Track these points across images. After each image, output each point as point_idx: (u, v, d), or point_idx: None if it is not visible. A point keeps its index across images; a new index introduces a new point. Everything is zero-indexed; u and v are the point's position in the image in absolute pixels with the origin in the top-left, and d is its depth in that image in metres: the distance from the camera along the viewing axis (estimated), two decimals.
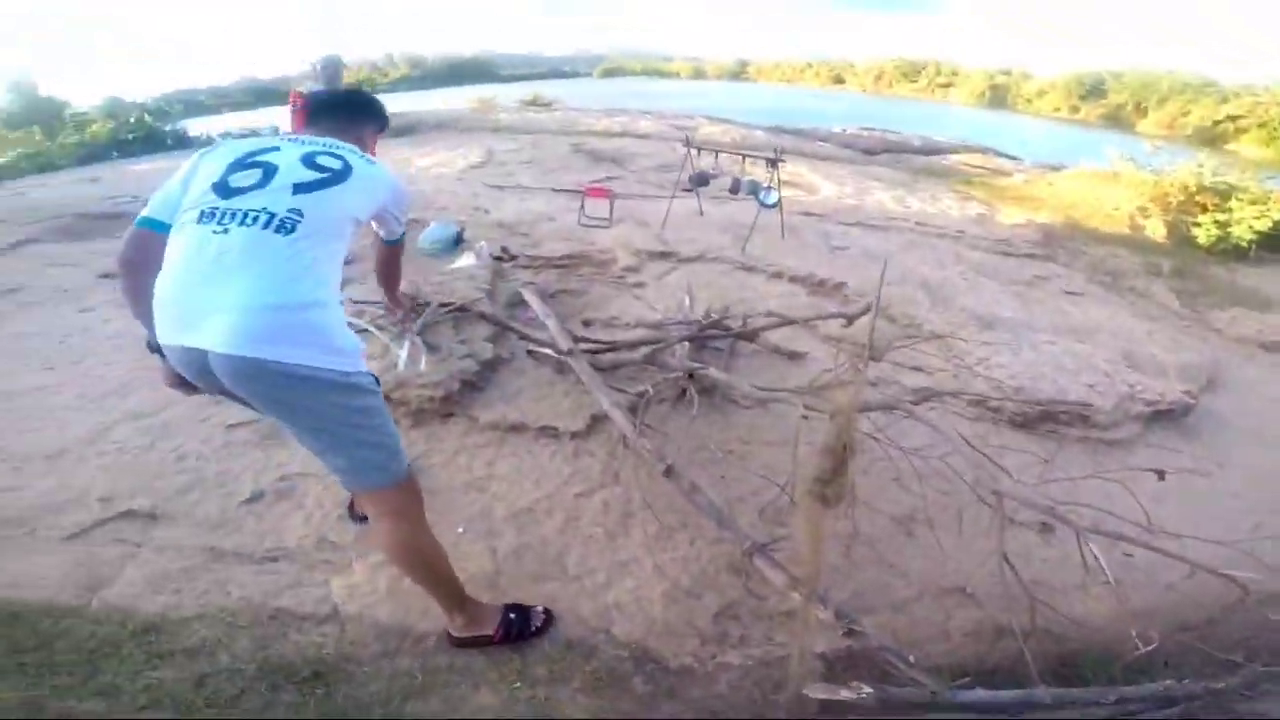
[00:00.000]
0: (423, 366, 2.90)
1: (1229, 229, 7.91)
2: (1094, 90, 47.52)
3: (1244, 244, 7.82)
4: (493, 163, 9.18)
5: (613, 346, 3.44)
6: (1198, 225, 8.14)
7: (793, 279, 4.93)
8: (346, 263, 1.88)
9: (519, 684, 1.97)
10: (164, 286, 1.56)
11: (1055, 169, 12.31)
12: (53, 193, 7.36)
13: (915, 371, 3.63)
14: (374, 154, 2.12)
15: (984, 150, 15.48)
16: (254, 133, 13.37)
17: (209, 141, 13.04)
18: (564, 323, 3.55)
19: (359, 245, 3.21)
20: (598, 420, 3.00)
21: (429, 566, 1.92)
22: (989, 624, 2.31)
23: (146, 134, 12.33)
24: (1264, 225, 7.74)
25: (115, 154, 11.38)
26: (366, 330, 3.15)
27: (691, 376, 3.08)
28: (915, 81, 60.93)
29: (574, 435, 2.94)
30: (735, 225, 5.92)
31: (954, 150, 15.03)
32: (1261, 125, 28.87)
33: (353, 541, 2.39)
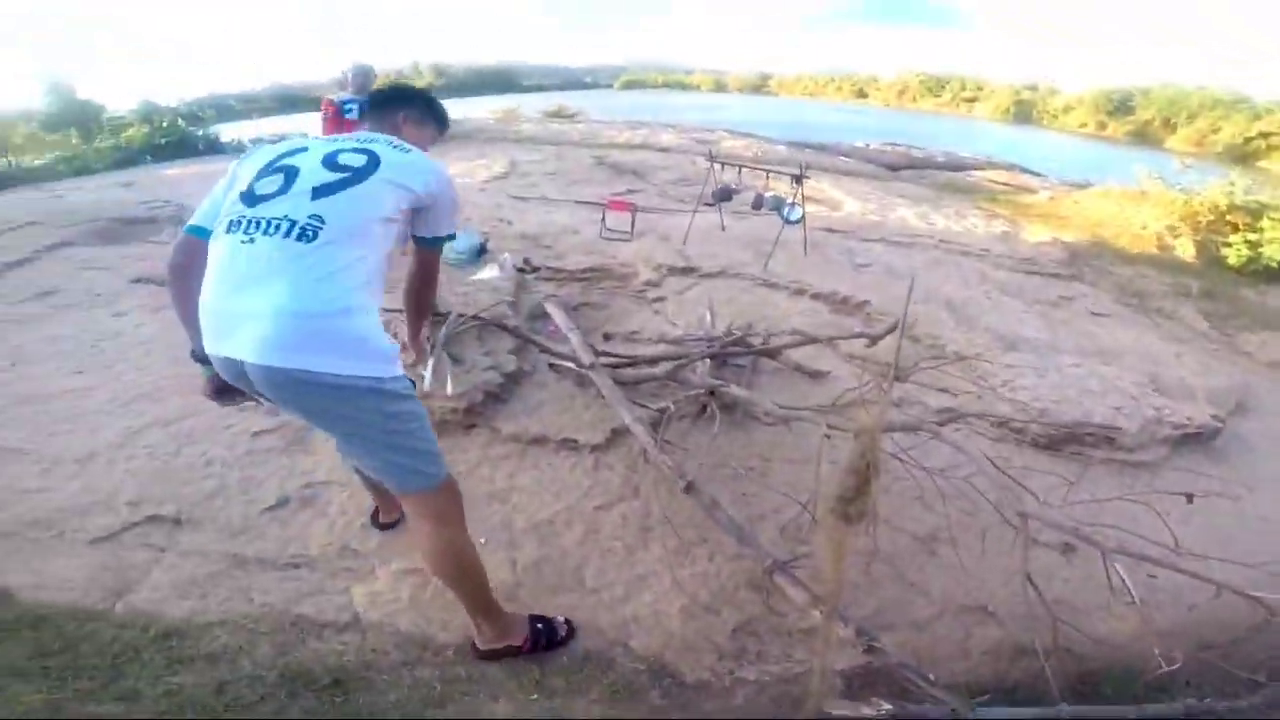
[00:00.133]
0: (449, 390, 2.90)
1: (1260, 250, 7.76)
2: (1121, 106, 47.12)
3: (1275, 265, 7.65)
4: (516, 173, 9.26)
5: (634, 361, 3.44)
6: (1228, 245, 8.02)
7: (815, 296, 4.91)
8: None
9: (536, 695, 1.98)
10: (204, 296, 1.58)
11: (1082, 186, 12.18)
12: (88, 196, 7.49)
13: (939, 392, 3.60)
14: (426, 146, 2.05)
15: (1009, 167, 15.40)
16: (283, 138, 13.58)
17: (240, 147, 13.18)
18: (585, 336, 3.56)
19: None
20: (618, 434, 3.01)
21: (465, 574, 1.92)
22: (1009, 643, 2.29)
23: (180, 139, 12.41)
24: None
25: (148, 158, 11.48)
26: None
27: (713, 393, 3.08)
28: (939, 96, 60.78)
29: (594, 448, 2.95)
30: (758, 241, 5.92)
31: (979, 166, 14.97)
32: None
33: (375, 548, 2.41)
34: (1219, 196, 8.51)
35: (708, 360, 3.37)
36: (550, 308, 3.93)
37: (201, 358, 1.68)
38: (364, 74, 5.18)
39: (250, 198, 1.64)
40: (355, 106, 5.01)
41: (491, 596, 2.00)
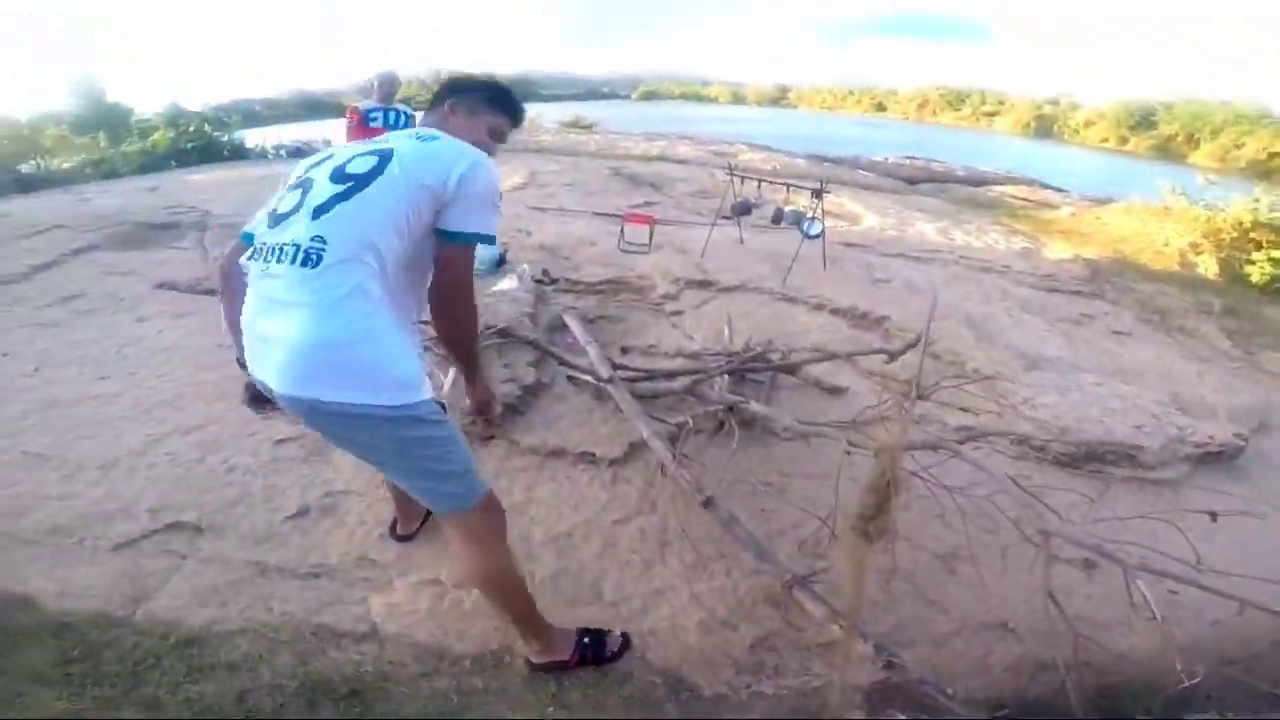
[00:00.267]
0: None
1: None
2: (1144, 120, 46.85)
3: None
4: (534, 184, 9.30)
5: (651, 375, 3.45)
6: (1251, 263, 7.93)
7: (834, 311, 4.91)
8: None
9: (553, 708, 1.98)
10: (242, 316, 1.61)
11: (1103, 202, 12.10)
12: (114, 200, 7.59)
13: (959, 410, 3.59)
14: (483, 139, 1.89)
15: (1030, 182, 15.35)
16: (303, 145, 13.60)
17: (263, 154, 13.28)
18: (603, 349, 3.57)
19: None
20: (635, 448, 3.01)
21: (505, 592, 1.91)
22: (1030, 658, 2.27)
23: (205, 144, 12.49)
24: None
25: (173, 163, 11.56)
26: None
27: (731, 409, 3.08)
28: (959, 110, 60.72)
29: (612, 462, 2.95)
30: (776, 255, 5.92)
31: (999, 181, 14.93)
32: None
33: (393, 559, 2.42)
34: (1243, 213, 8.42)
35: (726, 375, 3.37)
36: (569, 320, 3.95)
37: (243, 363, 1.67)
38: (389, 81, 5.18)
39: (273, 218, 1.62)
40: (380, 114, 5.04)
41: (535, 613, 1.98)
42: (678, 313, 4.69)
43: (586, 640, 2.07)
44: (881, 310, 4.90)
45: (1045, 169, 19.13)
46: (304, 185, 1.62)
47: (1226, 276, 8.03)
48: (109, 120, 15.16)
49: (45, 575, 2.26)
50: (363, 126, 4.97)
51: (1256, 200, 8.52)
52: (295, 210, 1.57)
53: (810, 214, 5.91)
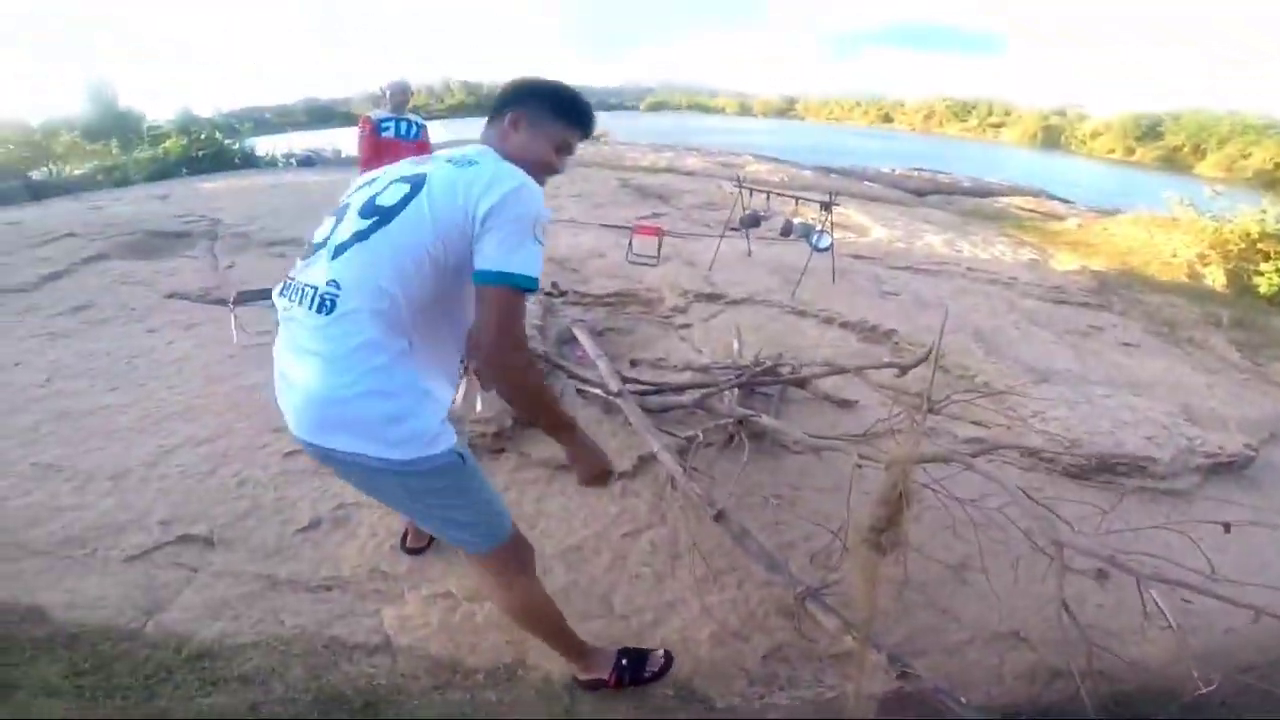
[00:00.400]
0: (479, 407, 2.93)
1: None
2: (1150, 131, 46.93)
3: None
4: (544, 194, 9.31)
5: (661, 389, 3.46)
6: (1259, 274, 7.92)
7: (844, 325, 4.92)
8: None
9: None
10: (274, 346, 1.58)
11: (1111, 213, 12.12)
12: (126, 208, 7.66)
13: (969, 423, 3.59)
14: (548, 157, 1.70)
15: (1036, 193, 15.37)
16: (312, 154, 13.58)
17: (273, 161, 13.28)
18: (611, 362, 3.58)
19: None
20: (645, 461, 3.01)
21: (538, 622, 1.90)
22: (1043, 667, 2.28)
23: (216, 151, 12.49)
24: None
25: (184, 170, 11.59)
26: None
27: (741, 422, 3.08)
28: (966, 121, 60.84)
29: (622, 475, 2.95)
30: (784, 267, 5.93)
31: (1005, 192, 14.95)
32: None
33: (405, 572, 2.42)
34: (1250, 224, 8.43)
35: (735, 389, 3.38)
36: (578, 333, 3.96)
37: None
38: (401, 90, 5.15)
39: (309, 248, 1.56)
40: (392, 124, 5.04)
41: (570, 636, 1.97)
42: (686, 325, 4.70)
43: (625, 662, 2.04)
44: (890, 323, 4.91)
45: (1052, 180, 19.15)
46: (340, 214, 1.55)
47: (1234, 288, 8.03)
48: (121, 126, 15.23)
49: (56, 586, 2.27)
50: (374, 136, 4.98)
51: (1264, 211, 8.53)
52: (323, 244, 1.50)
53: (819, 226, 5.91)
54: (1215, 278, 8.24)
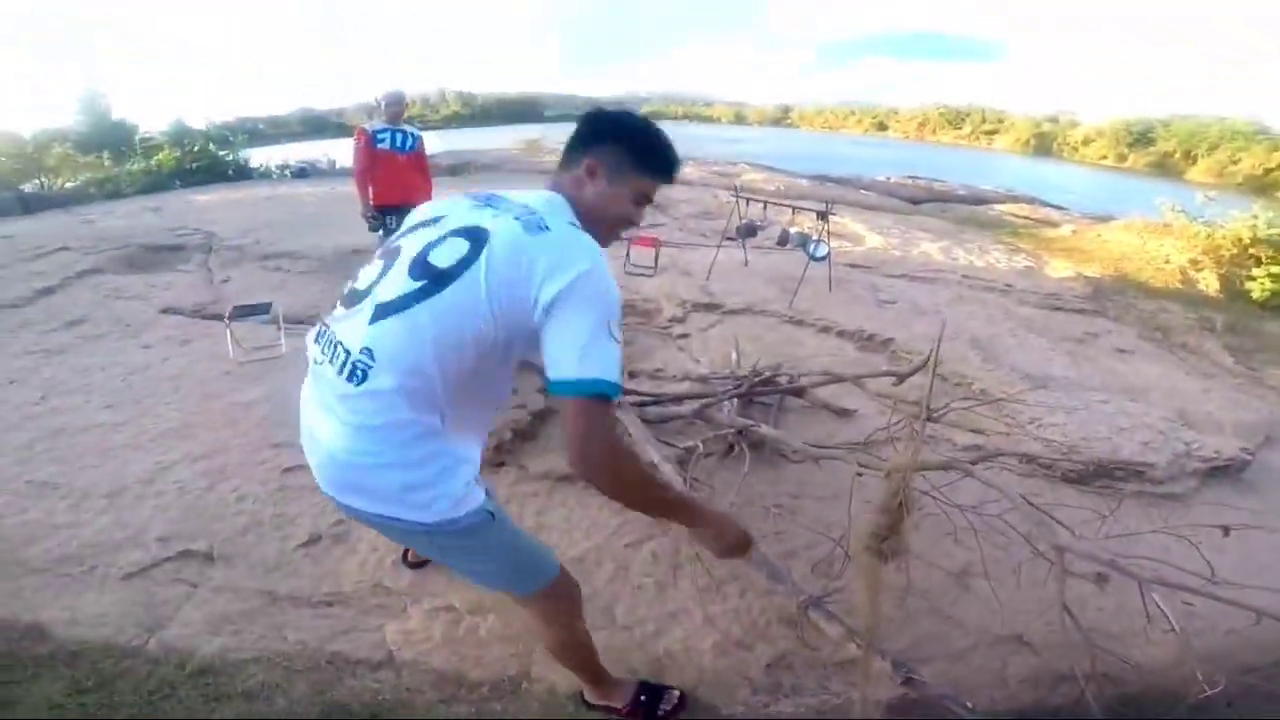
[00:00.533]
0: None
1: None
2: (1141, 138, 47.24)
3: None
4: None
5: (659, 400, 3.46)
6: (1252, 279, 7.98)
7: (841, 334, 4.94)
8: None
9: None
10: (303, 389, 1.52)
11: (1103, 220, 12.19)
12: (118, 221, 7.65)
13: (968, 430, 3.60)
14: (625, 210, 1.53)
15: (1030, 200, 15.46)
16: (306, 166, 13.49)
17: (267, 173, 13.17)
18: None
19: None
20: None
21: (572, 657, 1.89)
22: (1047, 671, 2.28)
23: (209, 163, 12.39)
24: None
25: (177, 182, 11.48)
26: None
27: (741, 432, 3.08)
28: (959, 128, 61.19)
29: None
30: (782, 277, 5.95)
31: (999, 200, 15.05)
32: None
33: (407, 586, 2.42)
34: (1242, 229, 8.49)
35: (734, 399, 3.38)
36: None
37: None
38: (397, 101, 5.15)
39: (348, 296, 1.43)
40: (388, 135, 5.04)
41: (599, 668, 1.96)
42: (684, 335, 4.71)
43: (644, 697, 2.03)
44: (888, 332, 4.93)
45: (1045, 187, 19.26)
46: (389, 258, 1.41)
47: (1227, 293, 8.08)
48: (113, 138, 15.14)
49: (55, 604, 2.26)
50: (370, 148, 4.99)
51: (1255, 216, 8.59)
52: (367, 294, 1.37)
53: (816, 235, 5.93)
54: (1208, 283, 8.29)
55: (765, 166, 16.33)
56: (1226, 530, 2.04)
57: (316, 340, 1.44)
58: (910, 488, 1.61)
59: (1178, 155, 42.72)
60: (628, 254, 5.87)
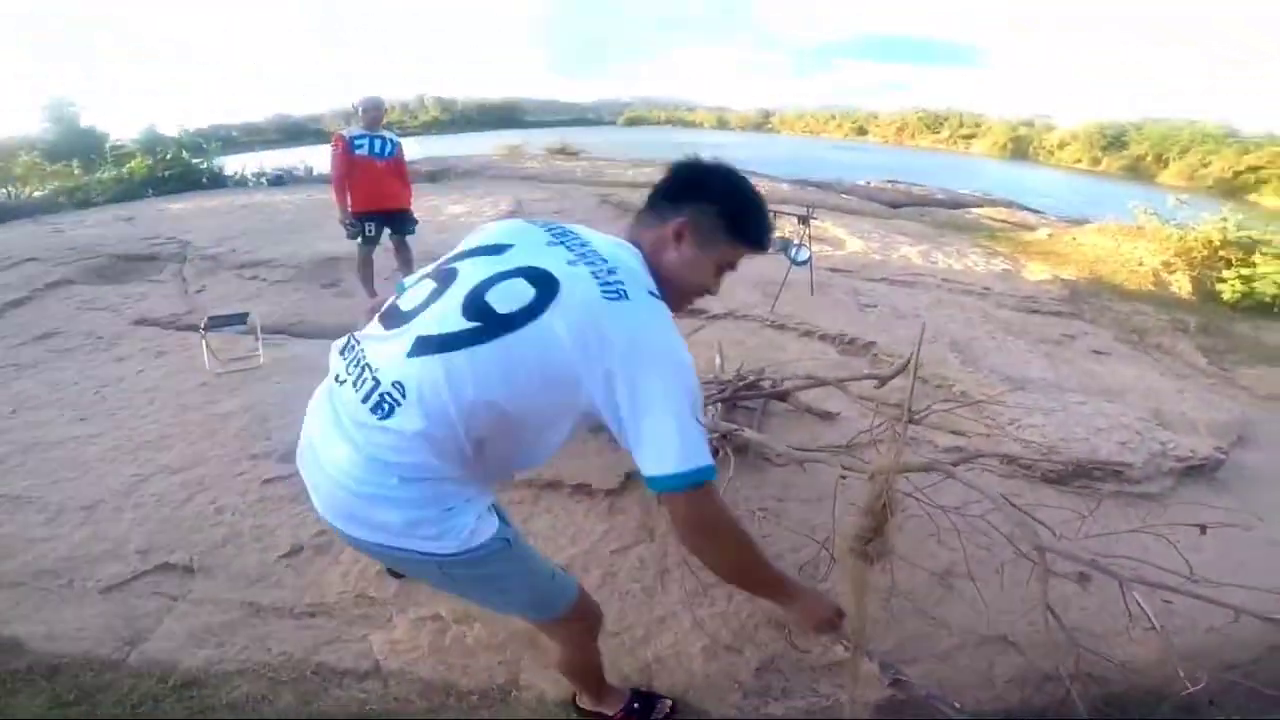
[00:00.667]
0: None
1: (1254, 285, 7.83)
2: (1115, 141, 47.85)
3: (1269, 300, 7.72)
4: (522, 212, 9.32)
5: None
6: (1223, 281, 8.10)
7: (823, 338, 4.97)
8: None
9: None
10: (309, 404, 1.43)
11: (1078, 223, 12.35)
12: (89, 230, 7.53)
13: (949, 432, 3.63)
14: (707, 279, 1.46)
15: (1007, 203, 15.62)
16: (284, 174, 13.32)
17: (242, 181, 12.92)
18: None
19: None
20: (630, 479, 3.01)
21: (579, 674, 1.89)
22: (1032, 670, 2.30)
23: (183, 171, 12.10)
24: None
25: (150, 191, 11.27)
26: None
27: (725, 437, 3.09)
28: (938, 133, 61.76)
29: (608, 493, 2.95)
30: (764, 282, 5.96)
31: (977, 203, 15.18)
32: None
33: (392, 596, 2.41)
34: (1212, 232, 8.62)
35: (718, 404, 3.39)
36: None
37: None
38: (375, 106, 5.15)
39: (392, 313, 1.34)
40: (366, 141, 5.01)
41: (601, 682, 1.96)
42: None
43: (637, 706, 2.03)
44: (869, 336, 4.97)
45: (1021, 190, 19.46)
46: (444, 280, 1.31)
47: (1199, 294, 8.20)
48: (83, 146, 14.84)
49: (32, 618, 2.24)
50: (347, 154, 4.95)
51: (1225, 219, 8.73)
52: (409, 320, 1.27)
53: (797, 240, 5.96)
54: (1180, 285, 8.42)
55: (747, 171, 16.35)
56: (1203, 529, 2.08)
57: (342, 354, 1.36)
58: (893, 489, 1.62)
59: (1150, 159, 43.34)
60: None
